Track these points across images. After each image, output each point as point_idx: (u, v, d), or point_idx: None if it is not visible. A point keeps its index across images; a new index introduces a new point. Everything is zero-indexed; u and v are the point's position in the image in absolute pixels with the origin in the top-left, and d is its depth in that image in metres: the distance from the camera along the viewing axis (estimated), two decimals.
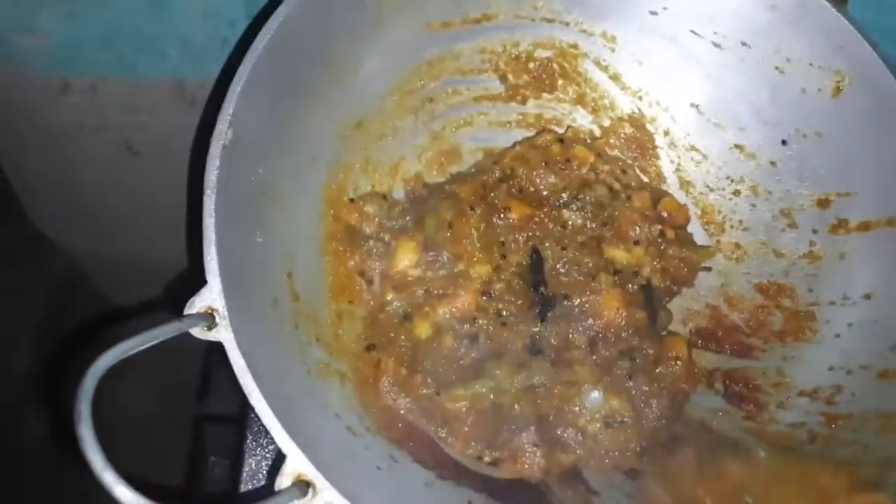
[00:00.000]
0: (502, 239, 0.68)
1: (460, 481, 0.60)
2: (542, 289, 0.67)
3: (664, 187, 0.73)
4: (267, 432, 0.47)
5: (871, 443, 0.57)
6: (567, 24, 0.70)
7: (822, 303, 0.66)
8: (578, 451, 0.62)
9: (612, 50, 0.71)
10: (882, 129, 0.62)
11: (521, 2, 0.69)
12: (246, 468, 0.67)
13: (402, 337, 0.64)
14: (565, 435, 0.62)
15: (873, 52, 0.61)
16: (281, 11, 0.56)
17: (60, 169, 0.96)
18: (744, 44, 0.67)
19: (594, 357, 0.64)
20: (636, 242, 0.68)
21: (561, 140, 0.72)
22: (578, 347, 0.64)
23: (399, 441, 0.60)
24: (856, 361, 0.62)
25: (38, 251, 1.06)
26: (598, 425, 0.62)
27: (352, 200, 0.66)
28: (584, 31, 0.71)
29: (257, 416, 0.47)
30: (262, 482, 0.66)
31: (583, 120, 0.75)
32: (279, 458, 0.47)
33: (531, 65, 0.72)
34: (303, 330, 0.59)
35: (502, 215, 0.68)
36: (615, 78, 0.73)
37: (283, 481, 0.45)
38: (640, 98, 0.73)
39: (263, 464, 0.67)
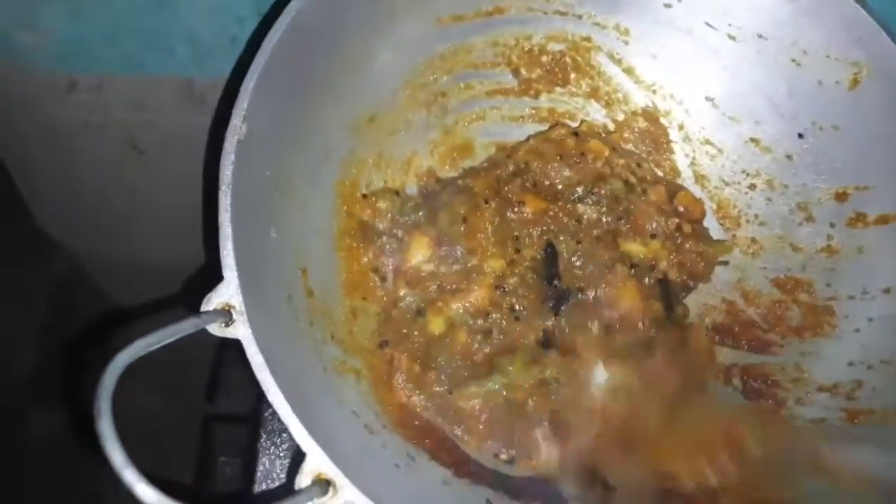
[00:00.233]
0: (516, 233, 0.67)
1: (478, 479, 0.59)
2: (556, 282, 0.66)
3: (679, 181, 0.73)
4: (282, 431, 0.47)
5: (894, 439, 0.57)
6: (580, 16, 0.70)
7: (841, 297, 0.65)
8: (591, 432, 0.62)
9: (626, 43, 0.71)
10: None
11: None
12: (260, 467, 0.66)
13: (416, 333, 0.63)
14: (576, 419, 0.62)
15: (892, 43, 0.60)
16: (293, 6, 0.56)
17: (64, 167, 0.95)
18: (760, 36, 0.66)
19: (606, 344, 0.64)
20: (653, 236, 0.68)
21: (575, 134, 0.71)
22: (590, 334, 0.64)
23: (416, 439, 0.59)
24: (876, 356, 0.61)
25: (40, 250, 1.05)
26: (607, 400, 0.62)
27: (364, 196, 0.66)
28: (597, 24, 0.70)
29: (273, 414, 0.47)
30: (276, 482, 0.66)
31: (596, 114, 0.74)
32: (297, 457, 0.46)
33: (544, 58, 0.72)
34: (318, 327, 0.58)
35: (516, 209, 0.68)
36: (629, 71, 0.72)
37: (303, 480, 0.45)
38: (655, 92, 0.72)
39: (278, 463, 0.66)
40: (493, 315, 0.64)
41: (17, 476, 0.95)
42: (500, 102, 0.73)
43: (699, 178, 0.73)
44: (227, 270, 0.48)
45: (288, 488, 0.45)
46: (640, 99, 0.73)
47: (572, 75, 0.72)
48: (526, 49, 0.71)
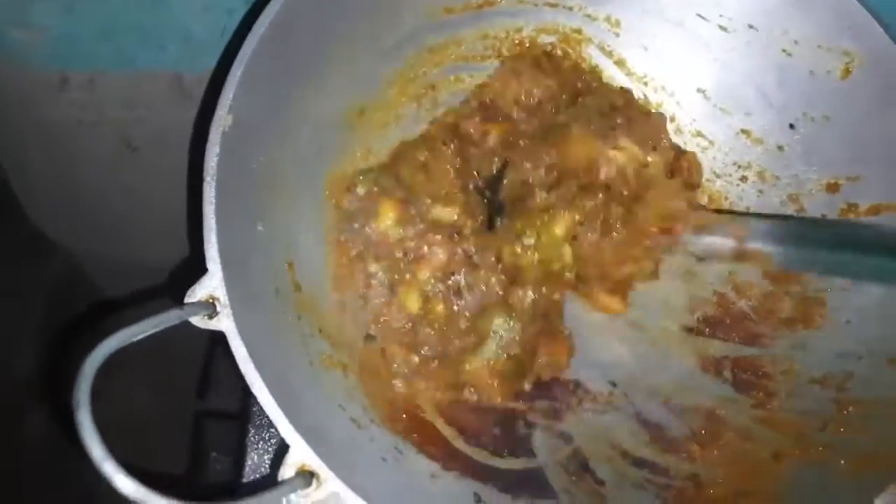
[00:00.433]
0: (477, 169, 0.67)
1: (466, 473, 0.59)
2: (488, 194, 0.65)
3: None
4: (270, 426, 0.46)
5: (887, 430, 0.56)
6: (570, 8, 0.69)
7: (833, 289, 0.64)
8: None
9: (617, 35, 0.70)
10: (892, 112, 0.61)
11: None
12: (248, 462, 0.66)
13: (396, 316, 0.63)
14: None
15: (883, 32, 0.60)
16: None
17: (59, 166, 0.95)
18: (751, 26, 0.66)
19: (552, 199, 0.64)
20: (654, 149, 0.67)
21: (548, 55, 0.70)
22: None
23: (404, 432, 0.59)
24: (866, 347, 0.61)
25: (36, 250, 1.05)
26: (567, 251, 0.63)
27: (348, 188, 0.65)
28: (588, 16, 0.70)
29: (260, 408, 0.47)
30: (265, 476, 0.65)
31: None
32: (282, 450, 0.46)
33: (535, 51, 0.71)
34: (305, 320, 0.58)
35: (479, 143, 0.67)
36: (620, 63, 0.72)
37: (287, 471, 0.45)
38: (646, 83, 0.72)
39: (266, 458, 0.66)
40: (456, 273, 0.63)
41: (14, 476, 0.95)
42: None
43: None
44: (211, 262, 0.48)
45: (273, 479, 0.45)
46: (631, 91, 0.72)
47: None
48: (516, 41, 0.71)
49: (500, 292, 0.63)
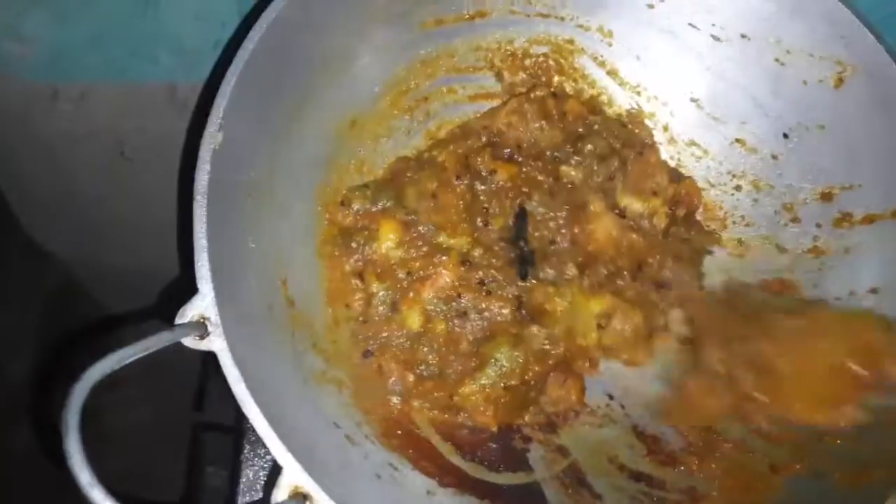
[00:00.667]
0: (486, 206, 0.67)
1: (463, 489, 0.59)
2: (522, 244, 0.66)
3: None
4: (264, 442, 0.46)
5: (884, 441, 0.56)
6: (562, 18, 0.69)
7: (828, 298, 0.64)
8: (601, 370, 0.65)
9: (609, 45, 0.70)
10: (886, 120, 0.61)
11: None
12: (243, 479, 0.66)
13: (396, 333, 0.63)
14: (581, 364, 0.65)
15: (876, 41, 0.60)
16: (271, 10, 0.55)
17: (53, 177, 0.95)
18: (743, 36, 0.66)
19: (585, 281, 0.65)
20: (654, 193, 0.67)
21: (554, 95, 0.70)
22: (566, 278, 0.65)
23: (399, 448, 0.59)
24: None
25: (32, 261, 1.05)
26: (594, 335, 0.64)
27: (342, 203, 0.65)
28: (581, 26, 0.70)
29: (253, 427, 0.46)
30: (260, 493, 0.65)
31: None
32: (275, 470, 0.46)
33: (527, 61, 0.71)
34: (298, 337, 0.57)
35: (487, 180, 0.67)
36: (613, 73, 0.71)
37: (280, 494, 0.44)
38: (639, 93, 0.72)
39: (261, 474, 0.65)
40: (465, 295, 0.63)
41: (4, 486, 0.94)
42: (483, 107, 0.72)
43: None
44: (203, 282, 0.48)
45: (265, 502, 0.44)
46: (624, 101, 0.72)
47: (556, 78, 0.72)
48: (509, 52, 0.71)
49: (512, 329, 0.63)
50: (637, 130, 0.71)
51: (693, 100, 0.70)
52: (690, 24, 0.67)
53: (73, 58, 0.78)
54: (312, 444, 0.50)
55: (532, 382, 0.63)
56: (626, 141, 0.70)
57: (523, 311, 0.64)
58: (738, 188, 0.70)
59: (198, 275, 0.48)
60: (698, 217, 0.71)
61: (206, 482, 0.83)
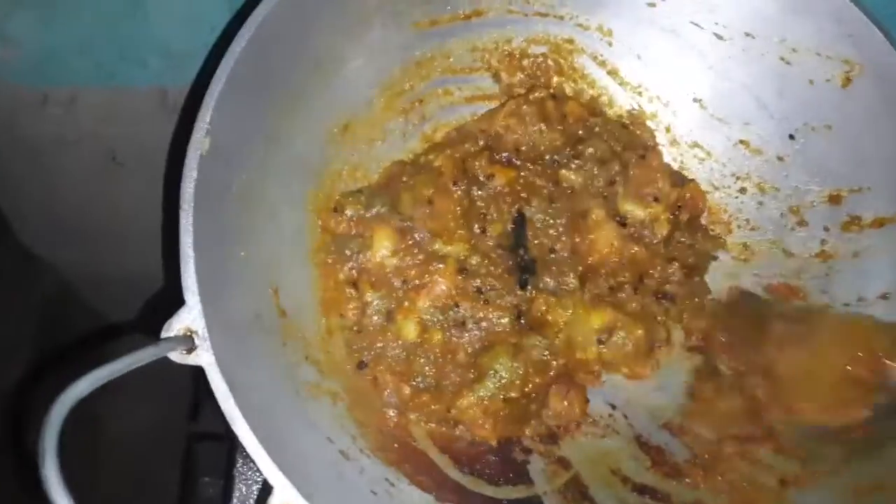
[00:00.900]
0: (483, 211, 0.65)
1: (461, 503, 0.57)
2: (522, 252, 0.64)
3: None
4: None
5: (893, 454, 0.54)
6: (561, 17, 0.68)
7: (836, 304, 0.63)
8: (602, 381, 0.64)
9: (609, 44, 0.69)
10: (895, 121, 0.59)
11: None
12: (236, 493, 0.64)
13: (392, 343, 0.61)
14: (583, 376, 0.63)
15: (884, 39, 0.58)
16: (259, 12, 0.53)
17: (44, 183, 0.93)
18: (747, 34, 0.64)
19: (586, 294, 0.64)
20: (655, 199, 0.66)
21: (553, 96, 0.69)
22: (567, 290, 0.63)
23: (396, 462, 0.57)
24: None
25: (26, 269, 1.04)
26: (594, 349, 0.62)
27: (335, 209, 0.63)
28: (580, 25, 0.68)
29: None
30: None
31: None
32: (268, 486, 0.44)
33: (525, 62, 0.70)
34: (291, 348, 0.56)
35: (485, 185, 0.66)
36: (613, 73, 0.70)
37: None
38: (640, 94, 0.70)
39: (255, 488, 0.64)
40: (462, 304, 0.62)
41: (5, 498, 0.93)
42: (480, 108, 0.71)
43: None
44: (189, 294, 0.46)
45: None
46: (625, 101, 0.71)
47: (555, 79, 0.70)
48: (506, 52, 0.69)
49: (510, 338, 0.62)
50: (639, 132, 0.70)
51: (696, 100, 0.69)
52: (693, 23, 0.66)
53: (61, 62, 0.77)
54: (305, 460, 0.49)
55: (533, 395, 0.61)
56: (628, 143, 0.68)
57: (522, 321, 0.62)
58: (742, 191, 0.68)
59: (184, 286, 0.46)
60: (703, 221, 0.69)
61: (200, 492, 0.81)
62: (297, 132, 0.60)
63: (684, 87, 0.69)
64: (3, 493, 0.91)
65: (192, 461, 0.83)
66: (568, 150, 0.67)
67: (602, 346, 0.63)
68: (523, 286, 0.63)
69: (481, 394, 0.60)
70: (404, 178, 0.65)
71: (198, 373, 0.87)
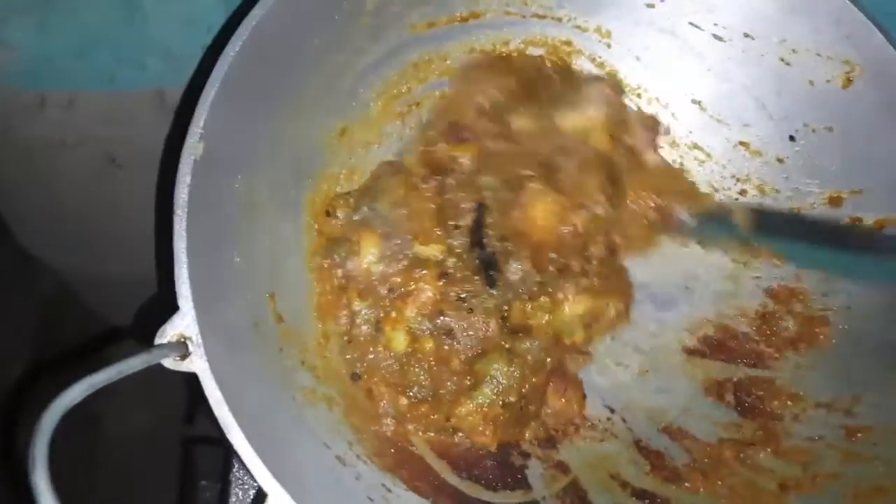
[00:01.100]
0: (455, 204, 0.64)
1: None
2: (483, 244, 0.63)
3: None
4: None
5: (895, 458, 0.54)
6: (559, 19, 0.67)
7: (837, 307, 0.62)
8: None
9: (608, 46, 0.68)
10: None
11: None
12: (233, 497, 0.64)
13: (383, 354, 0.61)
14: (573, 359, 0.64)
15: (885, 40, 0.58)
16: (254, 14, 0.53)
17: (43, 186, 0.93)
18: (747, 35, 0.63)
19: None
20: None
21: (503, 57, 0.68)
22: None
23: (393, 468, 0.56)
24: (875, 370, 0.58)
25: (25, 271, 1.04)
26: (581, 332, 0.64)
27: (328, 213, 0.62)
28: (578, 27, 0.67)
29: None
30: None
31: None
32: (261, 495, 0.44)
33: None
34: (287, 353, 0.55)
35: (454, 171, 0.65)
36: (612, 75, 0.69)
37: None
38: (639, 95, 0.70)
39: (251, 493, 0.63)
40: (448, 312, 0.61)
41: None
42: None
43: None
44: (183, 300, 0.46)
45: None
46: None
47: None
48: (504, 55, 0.68)
49: (502, 342, 0.61)
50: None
51: (695, 101, 0.68)
52: (692, 24, 0.65)
53: (58, 65, 0.76)
54: (300, 466, 0.48)
55: (530, 395, 0.61)
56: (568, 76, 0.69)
57: (507, 325, 0.62)
58: (742, 192, 0.68)
59: (178, 292, 0.46)
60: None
61: (198, 495, 0.81)
62: (294, 136, 0.59)
63: (683, 88, 0.68)
64: None
65: (190, 464, 0.83)
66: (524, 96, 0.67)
67: (589, 328, 0.63)
68: (492, 285, 0.62)
69: (480, 400, 0.59)
70: (382, 179, 0.64)
71: (193, 377, 0.88)
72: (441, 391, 0.60)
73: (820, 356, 0.62)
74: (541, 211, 0.63)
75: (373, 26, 0.62)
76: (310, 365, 0.57)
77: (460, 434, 0.60)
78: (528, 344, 0.61)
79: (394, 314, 0.61)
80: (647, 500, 0.59)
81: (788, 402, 0.61)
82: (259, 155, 0.56)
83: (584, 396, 0.63)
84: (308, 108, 0.60)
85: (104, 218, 0.98)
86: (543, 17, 0.67)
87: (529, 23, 0.67)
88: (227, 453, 0.65)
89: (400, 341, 0.60)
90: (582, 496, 0.59)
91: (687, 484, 0.60)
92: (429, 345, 0.60)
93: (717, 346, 0.66)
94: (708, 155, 0.69)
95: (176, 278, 0.46)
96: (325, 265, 0.61)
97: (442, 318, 0.61)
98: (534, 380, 0.61)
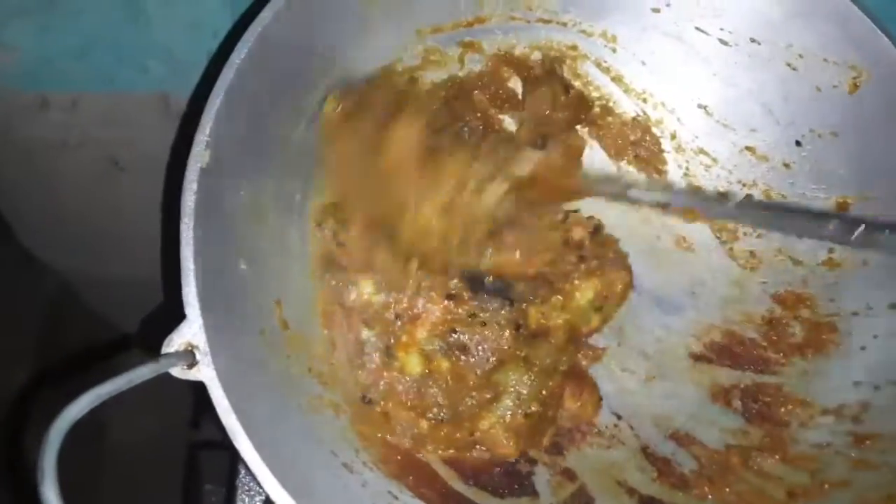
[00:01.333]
0: None
1: None
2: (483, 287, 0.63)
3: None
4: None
5: None
6: (564, 24, 0.67)
7: (844, 313, 0.62)
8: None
9: (614, 50, 0.68)
10: None
11: (514, 2, 0.65)
12: (239, 503, 0.63)
13: (399, 378, 0.61)
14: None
15: (891, 45, 0.57)
16: (260, 19, 0.53)
17: (46, 188, 0.93)
18: (753, 40, 0.63)
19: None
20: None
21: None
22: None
23: (399, 474, 0.56)
24: (883, 376, 0.58)
25: (28, 273, 1.04)
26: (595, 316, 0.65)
27: (318, 224, 0.62)
28: (583, 32, 0.67)
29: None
30: None
31: None
32: (269, 500, 0.44)
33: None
34: (294, 361, 0.55)
35: None
36: (617, 80, 0.69)
37: None
38: (645, 100, 0.69)
39: (258, 499, 0.63)
40: (459, 329, 0.61)
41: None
42: None
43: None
44: (190, 309, 0.46)
45: None
46: (630, 107, 0.70)
47: None
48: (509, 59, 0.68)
49: (517, 351, 0.61)
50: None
51: (701, 106, 0.68)
52: (697, 29, 0.65)
53: (61, 67, 0.76)
54: (307, 474, 0.48)
55: (548, 401, 0.61)
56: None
57: (523, 331, 0.62)
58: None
59: (185, 301, 0.46)
60: (707, 229, 0.69)
61: (204, 500, 0.81)
62: (301, 143, 0.59)
63: (689, 93, 0.68)
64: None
65: (195, 469, 0.83)
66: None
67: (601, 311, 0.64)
68: (511, 304, 0.62)
69: (500, 412, 0.59)
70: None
71: (199, 383, 0.87)
72: (461, 409, 0.60)
73: (827, 362, 0.62)
74: (508, 267, 0.63)
75: (379, 31, 0.61)
76: (316, 371, 0.57)
77: (479, 447, 0.60)
78: (545, 347, 0.61)
79: (405, 338, 0.61)
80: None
81: (796, 409, 0.61)
82: (265, 162, 0.56)
83: (601, 399, 0.63)
84: (315, 115, 0.60)
85: (107, 220, 0.98)
86: (549, 21, 0.67)
87: (535, 28, 0.67)
88: (233, 458, 0.65)
89: (414, 364, 0.60)
90: (589, 503, 0.59)
91: (694, 491, 0.59)
92: (444, 364, 0.60)
93: (723, 351, 0.66)
94: (714, 160, 0.69)
95: (183, 286, 0.46)
96: (328, 276, 0.61)
97: (454, 335, 0.61)
98: (550, 384, 0.61)
